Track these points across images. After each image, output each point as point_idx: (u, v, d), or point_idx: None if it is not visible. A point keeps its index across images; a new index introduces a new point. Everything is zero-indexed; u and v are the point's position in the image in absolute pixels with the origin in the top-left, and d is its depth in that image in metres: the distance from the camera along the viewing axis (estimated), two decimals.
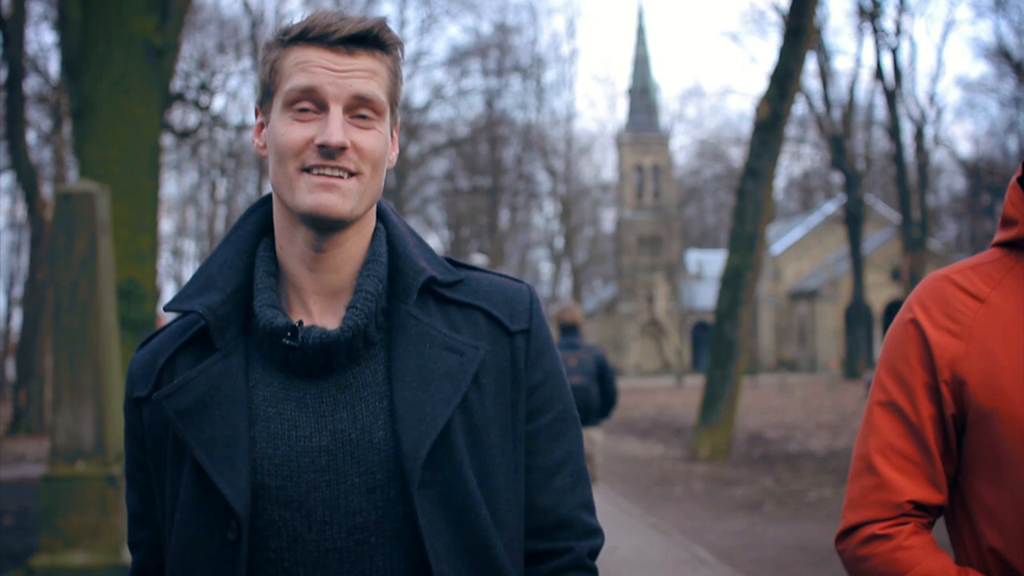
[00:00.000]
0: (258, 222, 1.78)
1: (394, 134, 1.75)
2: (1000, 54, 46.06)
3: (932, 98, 57.57)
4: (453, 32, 61.13)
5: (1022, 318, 1.87)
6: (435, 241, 56.36)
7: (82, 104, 10.75)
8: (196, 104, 28.07)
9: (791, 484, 15.35)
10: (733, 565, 9.49)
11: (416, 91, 74.67)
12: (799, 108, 51.99)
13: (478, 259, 46.72)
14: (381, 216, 1.79)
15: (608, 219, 78.61)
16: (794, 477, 16.13)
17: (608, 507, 12.86)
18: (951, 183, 64.18)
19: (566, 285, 65.94)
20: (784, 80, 18.07)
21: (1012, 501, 1.80)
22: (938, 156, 57.06)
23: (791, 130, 62.44)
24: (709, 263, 74.11)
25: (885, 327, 67.72)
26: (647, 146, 77.44)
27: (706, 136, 77.69)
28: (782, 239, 77.68)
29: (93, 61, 10.79)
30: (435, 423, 1.62)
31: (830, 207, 68.37)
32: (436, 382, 1.65)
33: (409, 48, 66.75)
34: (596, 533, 1.78)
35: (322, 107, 1.63)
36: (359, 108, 1.65)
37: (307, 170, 1.62)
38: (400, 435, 1.61)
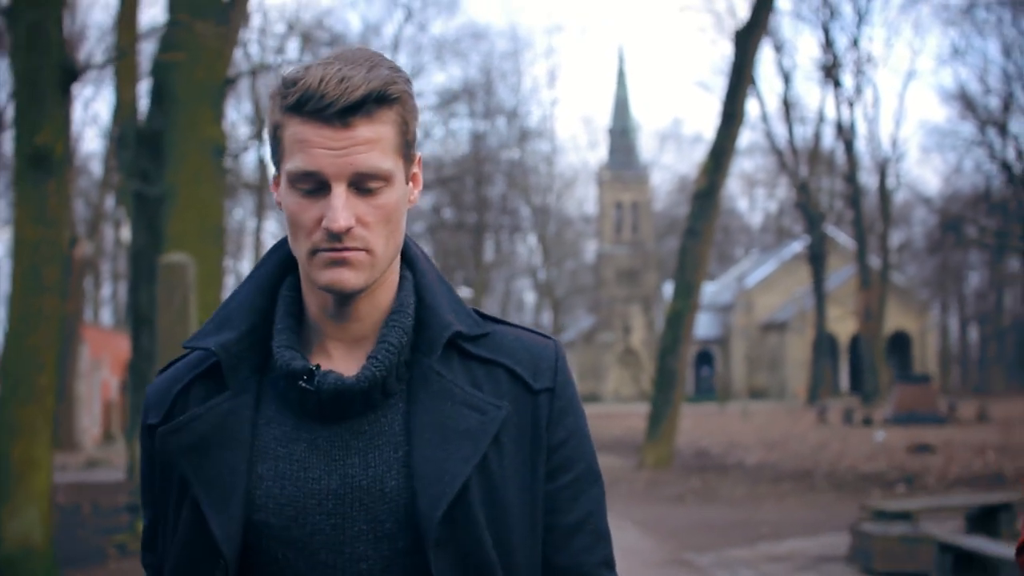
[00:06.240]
0: (280, 261, 1.72)
1: (415, 169, 1.68)
2: (961, 98, 47.40)
3: (895, 141, 60.86)
4: (440, 79, 61.92)
5: None
6: None
7: (167, 191, 14.27)
8: None
9: (713, 485, 18.89)
10: (644, 530, 13.10)
11: None
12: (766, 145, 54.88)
13: (464, 291, 48.97)
14: (411, 263, 1.72)
15: (590, 250, 79.87)
16: (719, 480, 19.63)
17: None
18: (926, 218, 64.21)
19: (548, 315, 67.76)
20: (719, 156, 21.61)
21: None
22: (907, 194, 58.52)
23: (767, 170, 65.46)
24: None
25: (850, 357, 70.44)
26: (626, 184, 78.88)
27: (685, 172, 79.10)
28: (755, 273, 79.24)
29: (175, 159, 14.26)
30: (453, 482, 1.57)
31: (798, 244, 69.74)
32: (456, 440, 1.59)
33: None
34: None
35: (325, 186, 1.55)
36: (363, 182, 1.56)
37: (319, 251, 1.56)
38: (417, 491, 1.57)
